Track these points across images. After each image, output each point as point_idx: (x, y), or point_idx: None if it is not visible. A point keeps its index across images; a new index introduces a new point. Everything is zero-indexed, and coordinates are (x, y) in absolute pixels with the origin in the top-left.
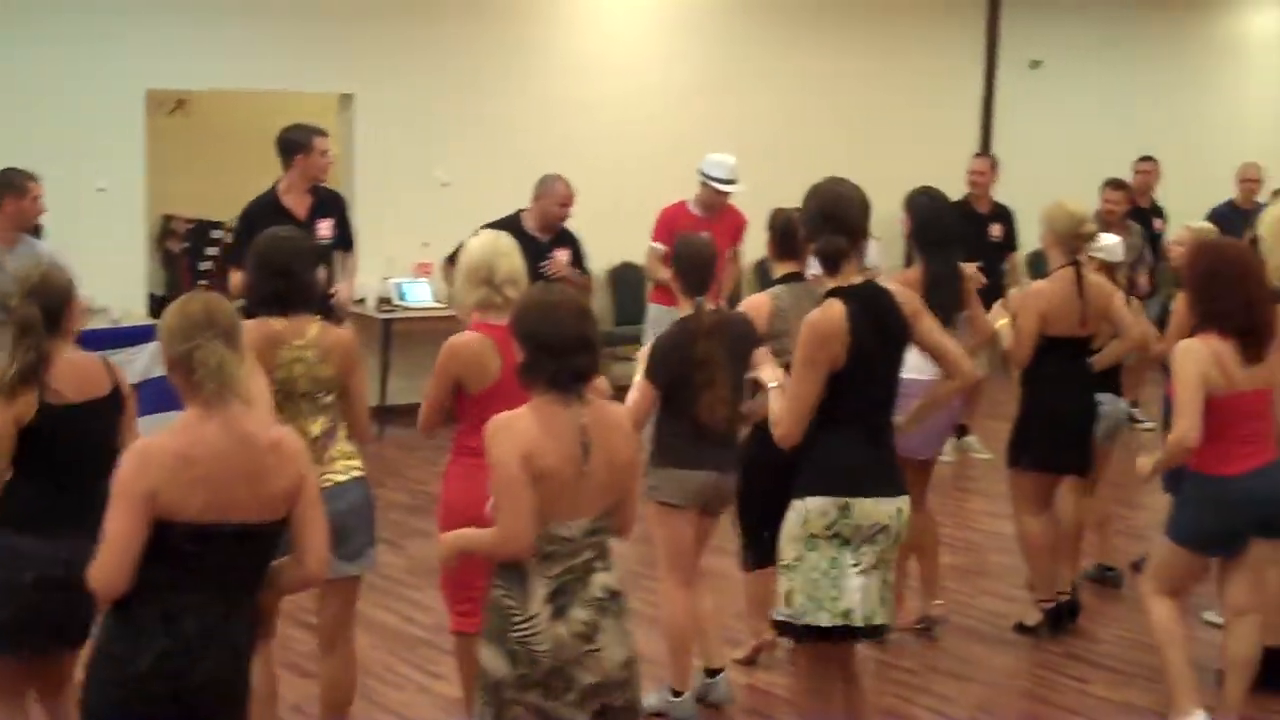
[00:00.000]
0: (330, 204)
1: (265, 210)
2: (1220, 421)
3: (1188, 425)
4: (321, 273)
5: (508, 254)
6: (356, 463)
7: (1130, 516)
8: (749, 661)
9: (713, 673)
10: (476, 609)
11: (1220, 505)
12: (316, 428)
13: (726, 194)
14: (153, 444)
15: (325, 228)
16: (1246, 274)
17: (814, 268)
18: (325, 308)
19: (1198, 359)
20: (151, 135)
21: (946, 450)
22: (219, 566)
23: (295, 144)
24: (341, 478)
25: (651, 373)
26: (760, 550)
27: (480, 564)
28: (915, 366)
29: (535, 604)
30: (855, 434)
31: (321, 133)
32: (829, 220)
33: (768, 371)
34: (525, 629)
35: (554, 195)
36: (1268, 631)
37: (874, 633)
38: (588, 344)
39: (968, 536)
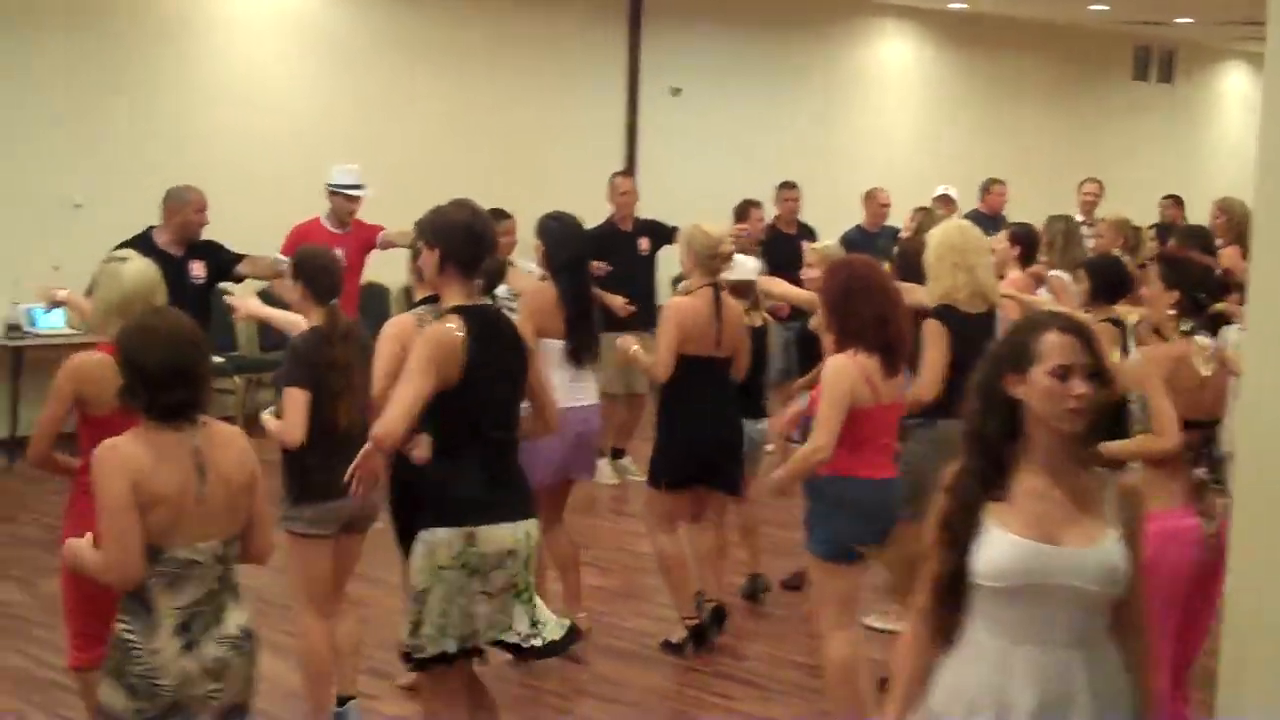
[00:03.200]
0: None
1: None
2: (864, 433)
3: (825, 440)
4: None
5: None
6: None
7: (777, 535)
8: (413, 688)
9: (343, 700)
10: (92, 643)
11: (856, 506)
12: None
13: (357, 199)
14: None
15: None
16: (879, 290)
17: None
18: None
19: (849, 376)
20: None
21: (608, 473)
22: None
23: None
24: None
25: (296, 378)
26: None
27: (110, 598)
28: (566, 394)
29: (161, 638)
30: (475, 461)
31: None
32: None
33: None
34: (148, 663)
35: (191, 203)
36: None
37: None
38: (184, 378)
39: (620, 558)
